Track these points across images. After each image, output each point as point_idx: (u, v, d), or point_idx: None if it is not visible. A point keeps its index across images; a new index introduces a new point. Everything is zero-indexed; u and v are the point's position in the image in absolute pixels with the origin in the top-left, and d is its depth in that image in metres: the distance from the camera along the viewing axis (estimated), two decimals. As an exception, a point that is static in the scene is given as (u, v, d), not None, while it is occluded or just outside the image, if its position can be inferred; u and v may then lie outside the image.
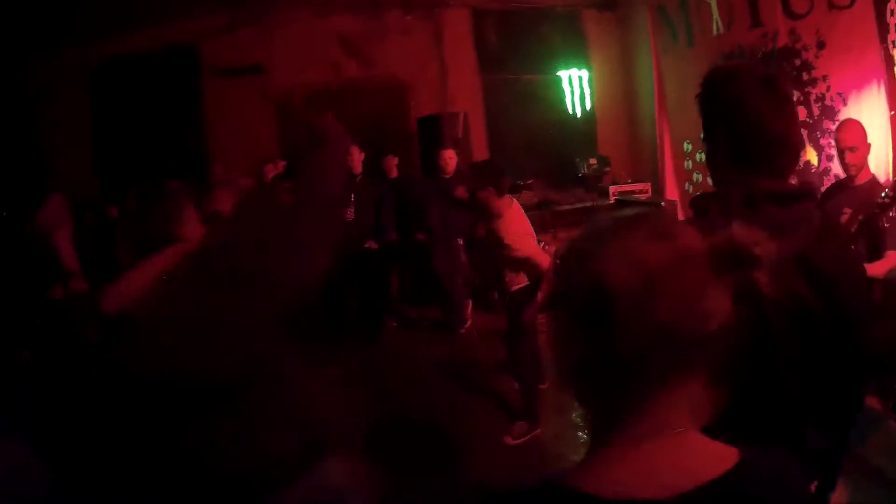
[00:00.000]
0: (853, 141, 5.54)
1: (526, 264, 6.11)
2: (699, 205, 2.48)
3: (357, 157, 9.04)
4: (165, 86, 10.24)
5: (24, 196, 7.32)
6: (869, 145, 5.71)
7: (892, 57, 7.10)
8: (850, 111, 7.61)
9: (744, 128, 2.21)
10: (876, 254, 5.25)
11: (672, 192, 11.00)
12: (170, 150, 9.64)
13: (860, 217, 5.06)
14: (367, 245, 9.06)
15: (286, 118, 10.02)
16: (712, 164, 2.38)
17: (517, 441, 6.27)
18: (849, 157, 5.50)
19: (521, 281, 6.25)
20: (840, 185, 5.85)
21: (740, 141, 2.23)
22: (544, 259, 6.10)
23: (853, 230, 5.06)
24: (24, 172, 8.99)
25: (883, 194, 4.74)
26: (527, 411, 6.44)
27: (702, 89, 2.36)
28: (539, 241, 6.53)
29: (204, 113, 10.06)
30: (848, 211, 5.20)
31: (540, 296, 6.24)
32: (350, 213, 8.82)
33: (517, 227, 6.17)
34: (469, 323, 9.52)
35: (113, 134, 9.93)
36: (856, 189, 5.48)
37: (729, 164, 2.27)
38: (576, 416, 6.54)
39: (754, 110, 2.18)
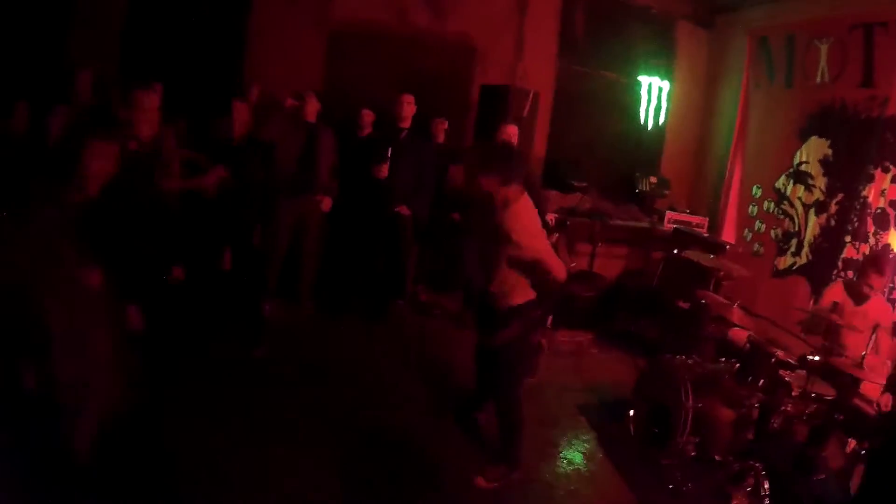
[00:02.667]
0: None
1: (537, 270, 5.27)
2: None
3: (407, 110, 8.25)
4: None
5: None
6: None
7: None
8: None
9: None
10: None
11: (729, 235, 10.66)
12: (205, 61, 8.93)
13: None
14: (397, 209, 8.24)
15: (335, 52, 9.17)
16: None
17: (489, 485, 5.64)
18: None
19: (523, 293, 5.42)
20: None
21: None
22: (560, 268, 5.31)
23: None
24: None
25: None
26: (507, 454, 5.79)
27: None
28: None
29: (248, 28, 9.14)
30: None
31: (548, 317, 5.48)
32: (384, 170, 7.99)
33: (526, 222, 5.33)
34: None
35: (144, 33, 8.94)
36: None
37: None
38: (561, 460, 6.27)
39: None
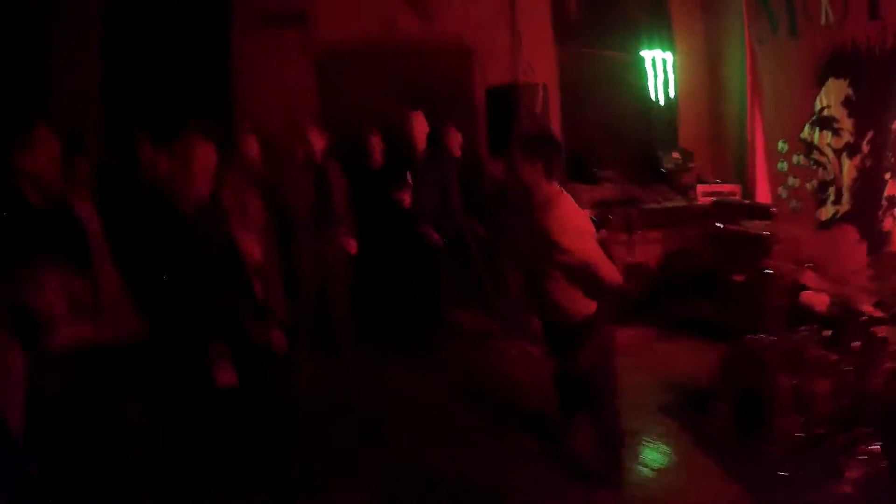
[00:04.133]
0: None
1: (588, 276, 4.89)
2: None
3: (420, 130, 8.01)
4: (191, 31, 9.14)
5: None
6: None
7: None
8: None
9: None
10: None
11: (763, 196, 10.42)
12: (191, 99, 8.80)
13: None
14: (426, 234, 7.99)
15: (327, 75, 8.93)
16: None
17: None
18: None
19: (583, 304, 5.04)
20: None
21: None
22: (614, 271, 4.96)
23: None
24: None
25: None
26: (614, 474, 5.57)
27: None
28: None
29: (232, 63, 8.95)
30: None
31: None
32: (407, 198, 7.74)
33: (574, 222, 4.94)
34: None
35: (125, 80, 8.75)
36: None
37: None
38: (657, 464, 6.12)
39: None
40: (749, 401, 6.18)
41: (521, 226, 5.29)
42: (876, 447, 5.58)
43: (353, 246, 7.74)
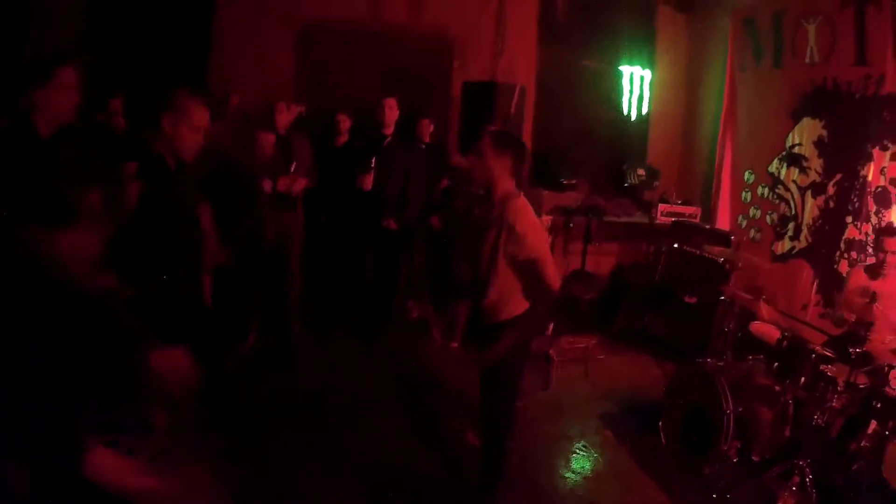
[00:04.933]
0: None
1: (531, 274, 4.86)
2: None
3: (390, 115, 7.97)
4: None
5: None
6: None
7: None
8: None
9: None
10: None
11: (724, 222, 10.57)
12: (170, 65, 8.51)
13: None
14: (385, 223, 7.94)
15: (306, 52, 8.88)
16: None
17: None
18: None
19: (517, 304, 5.02)
20: None
21: None
22: (556, 276, 4.90)
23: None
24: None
25: None
26: (489, 474, 5.41)
27: None
28: None
29: (212, 29, 8.84)
30: None
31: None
32: (368, 181, 7.70)
33: (532, 218, 4.97)
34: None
35: (106, 44, 8.61)
36: None
37: None
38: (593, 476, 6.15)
39: None
40: (694, 421, 6.29)
41: (479, 217, 5.29)
42: (808, 479, 5.73)
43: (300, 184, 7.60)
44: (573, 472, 6.13)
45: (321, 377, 7.33)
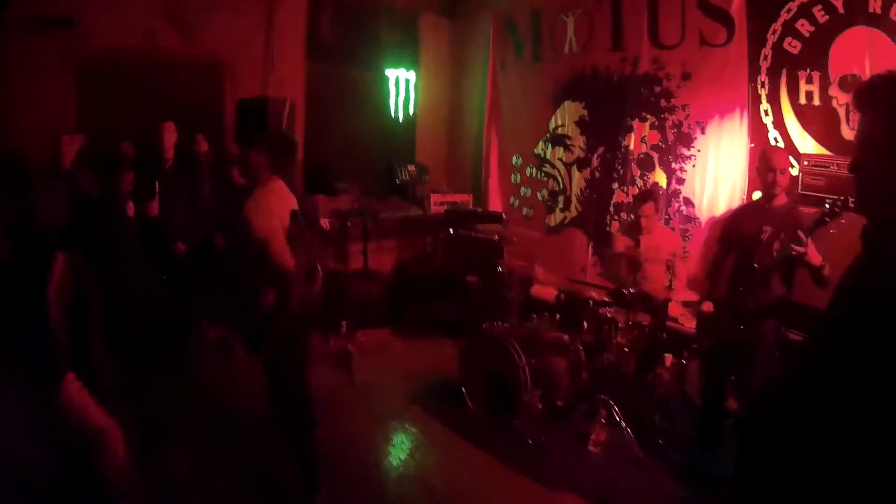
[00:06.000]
0: (784, 164, 5.97)
1: (262, 257, 5.03)
2: None
3: (168, 139, 8.08)
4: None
5: None
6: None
7: (758, 95, 7.68)
8: (707, 140, 8.29)
9: None
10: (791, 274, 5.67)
11: (496, 205, 11.18)
12: None
13: (781, 235, 5.50)
14: (174, 247, 8.03)
15: (87, 87, 8.81)
16: None
17: None
18: (779, 178, 5.85)
19: (265, 297, 5.14)
20: (756, 207, 6.18)
21: None
22: (287, 257, 5.04)
23: (775, 251, 5.50)
24: None
25: (827, 204, 4.95)
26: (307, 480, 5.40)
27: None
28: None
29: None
30: (768, 229, 5.69)
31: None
32: (154, 207, 7.77)
33: (271, 205, 5.13)
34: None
35: None
36: (775, 210, 5.86)
37: None
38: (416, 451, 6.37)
39: None
40: (493, 383, 6.68)
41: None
42: (615, 411, 6.24)
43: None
44: (393, 448, 6.38)
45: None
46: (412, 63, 11.59)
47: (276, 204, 5.15)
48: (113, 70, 8.86)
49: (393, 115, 11.49)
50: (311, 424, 5.46)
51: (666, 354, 6.89)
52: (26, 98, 8.33)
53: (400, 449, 6.36)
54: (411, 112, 11.62)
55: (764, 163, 5.98)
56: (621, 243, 7.65)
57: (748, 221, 5.93)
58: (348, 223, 9.77)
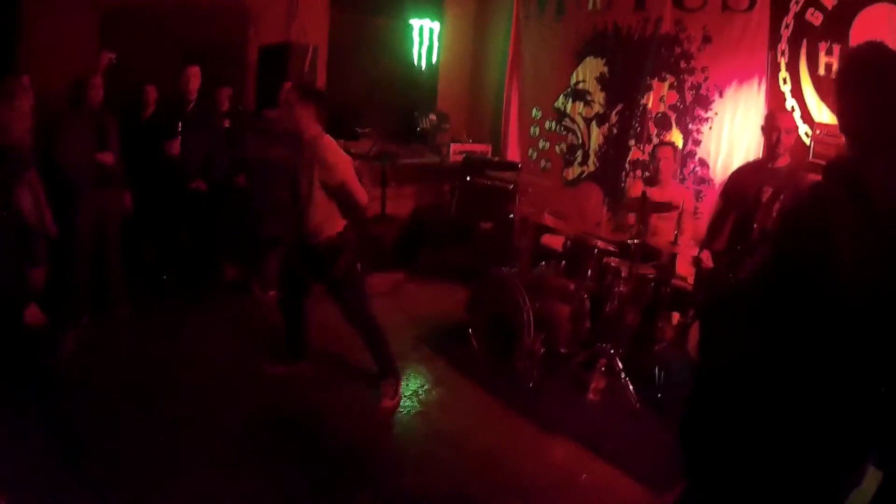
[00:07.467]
0: (790, 124, 6.20)
1: (343, 195, 5.78)
2: None
3: (193, 83, 8.21)
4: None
5: None
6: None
7: (777, 63, 7.75)
8: (724, 103, 8.38)
9: None
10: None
11: (514, 156, 11.31)
12: None
13: (782, 196, 5.60)
14: (194, 185, 8.17)
15: (112, 34, 8.90)
16: None
17: (394, 401, 6.28)
18: (783, 137, 5.95)
19: (335, 223, 5.93)
20: (758, 166, 6.28)
21: None
22: (363, 192, 5.88)
23: (775, 212, 5.60)
24: None
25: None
26: (387, 367, 6.33)
27: None
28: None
29: (20, 19, 8.75)
30: (769, 189, 5.78)
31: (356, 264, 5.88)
32: (176, 146, 7.91)
33: (336, 148, 5.88)
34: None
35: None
36: (778, 171, 5.94)
37: None
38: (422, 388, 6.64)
39: None
40: (498, 325, 6.88)
41: (291, 159, 6.12)
42: (616, 362, 6.45)
43: (129, 199, 7.57)
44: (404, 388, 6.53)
45: (158, 350, 7.04)
46: (437, 13, 11.68)
47: (342, 152, 5.89)
48: (137, 16, 8.97)
49: (416, 63, 11.62)
50: (380, 332, 6.32)
51: (674, 313, 7.02)
52: (54, 42, 8.45)
53: (405, 385, 6.54)
54: (434, 61, 11.75)
55: (769, 122, 6.10)
56: (636, 189, 7.71)
57: (751, 179, 6.02)
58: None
